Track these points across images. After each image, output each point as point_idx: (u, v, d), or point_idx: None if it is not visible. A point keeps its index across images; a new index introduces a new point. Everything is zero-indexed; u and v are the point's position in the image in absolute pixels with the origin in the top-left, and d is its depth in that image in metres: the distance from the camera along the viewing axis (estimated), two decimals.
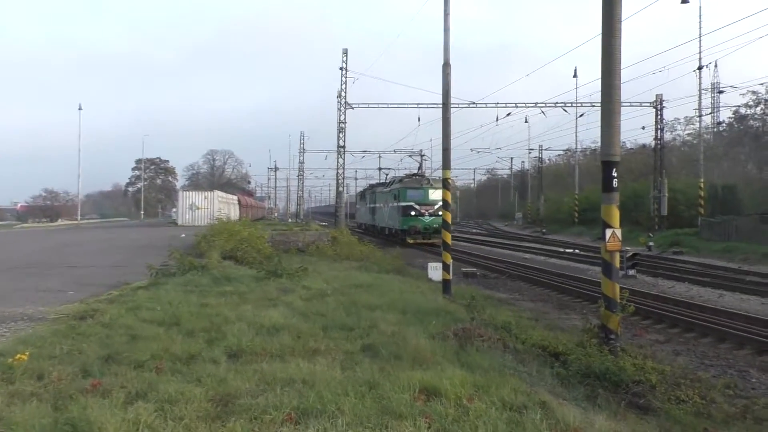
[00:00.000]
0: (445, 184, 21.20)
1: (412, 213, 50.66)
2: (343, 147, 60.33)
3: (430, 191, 51.44)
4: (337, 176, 61.43)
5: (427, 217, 50.78)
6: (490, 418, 7.32)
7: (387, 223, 57.50)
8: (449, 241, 21.12)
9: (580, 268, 33.89)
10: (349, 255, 31.68)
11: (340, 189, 61.11)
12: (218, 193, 67.30)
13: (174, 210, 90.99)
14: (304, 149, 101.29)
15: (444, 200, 21.28)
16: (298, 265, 20.96)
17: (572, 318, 19.72)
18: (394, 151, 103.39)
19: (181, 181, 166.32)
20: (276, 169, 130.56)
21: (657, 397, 10.36)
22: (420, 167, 66.30)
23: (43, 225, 78.61)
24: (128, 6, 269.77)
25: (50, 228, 65.22)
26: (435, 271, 25.19)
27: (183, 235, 34.81)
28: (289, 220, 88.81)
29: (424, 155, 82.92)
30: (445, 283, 20.51)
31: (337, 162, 60.88)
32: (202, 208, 61.77)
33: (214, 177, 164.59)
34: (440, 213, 46.68)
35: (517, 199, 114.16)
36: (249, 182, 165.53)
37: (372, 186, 73.21)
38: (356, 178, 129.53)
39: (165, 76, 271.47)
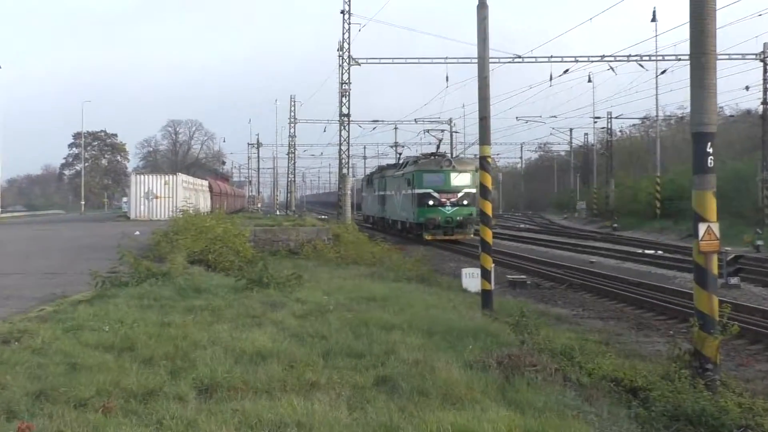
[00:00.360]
0: (483, 164, 21.04)
1: (430, 202, 52.73)
2: (347, 116, 60.18)
3: (453, 175, 53.60)
4: (339, 154, 61.28)
5: (449, 208, 52.92)
6: None
7: (399, 215, 59.07)
8: (489, 239, 21.04)
9: (665, 275, 33.84)
10: (356, 258, 31.72)
11: (344, 171, 60.29)
12: (183, 177, 66.99)
13: (125, 200, 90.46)
14: (295, 119, 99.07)
15: (482, 185, 21.22)
16: (290, 272, 21.08)
17: (654, 341, 19.69)
18: (415, 121, 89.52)
19: (134, 161, 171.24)
20: (259, 145, 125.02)
21: None
22: (439, 145, 66.92)
23: None
24: None
25: None
26: (471, 279, 25.24)
27: (137, 233, 34.73)
28: (277, 213, 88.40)
29: (454, 125, 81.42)
30: (485, 295, 20.61)
31: (340, 135, 61.01)
32: (162, 197, 60.99)
33: (177, 156, 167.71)
34: (466, 202, 53.03)
35: (579, 183, 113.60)
36: (223, 162, 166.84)
37: (381, 169, 73.39)
38: (365, 157, 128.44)
39: (110, 26, 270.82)
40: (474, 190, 52.84)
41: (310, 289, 19.17)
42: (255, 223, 40.28)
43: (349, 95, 58.73)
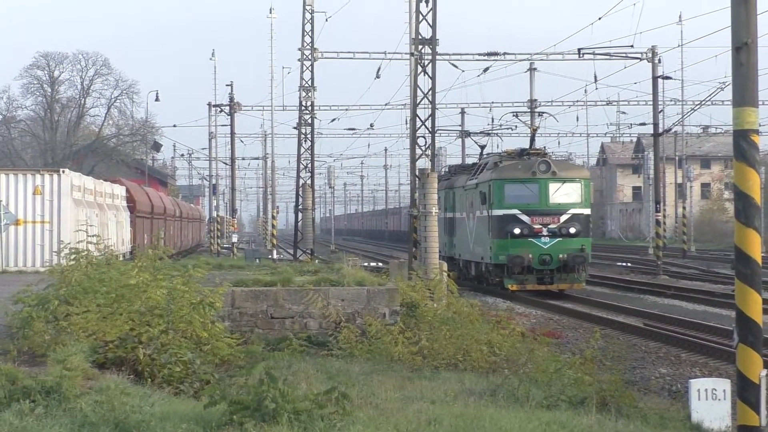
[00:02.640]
0: (741, 148, 12.78)
1: (516, 231, 39.65)
2: (429, 41, 39.66)
3: (553, 186, 40.34)
4: (413, 126, 39.37)
5: (546, 239, 39.77)
6: None
7: (469, 249, 45.26)
8: (757, 308, 12.56)
9: None
10: (455, 355, 20.50)
11: (421, 161, 39.40)
12: (74, 176, 40.62)
13: None
14: (312, 47, 57.67)
15: (740, 194, 12.89)
16: (320, 387, 14.05)
17: None
18: (578, 52, 54.27)
19: None
20: (233, 107, 70.88)
21: None
22: (533, 137, 47.95)
23: None
24: None
25: None
26: (711, 403, 16.11)
27: None
28: (274, 255, 59.17)
29: (659, 60, 54.78)
30: None
31: (413, 81, 39.51)
32: (30, 221, 38.17)
33: (57, 132, 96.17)
34: (573, 230, 39.79)
35: None
36: (155, 147, 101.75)
37: (451, 172, 55.83)
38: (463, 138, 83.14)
39: None
40: (587, 211, 41.13)
41: (367, 426, 12.20)
42: (231, 278, 25.79)
43: None
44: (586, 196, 41.32)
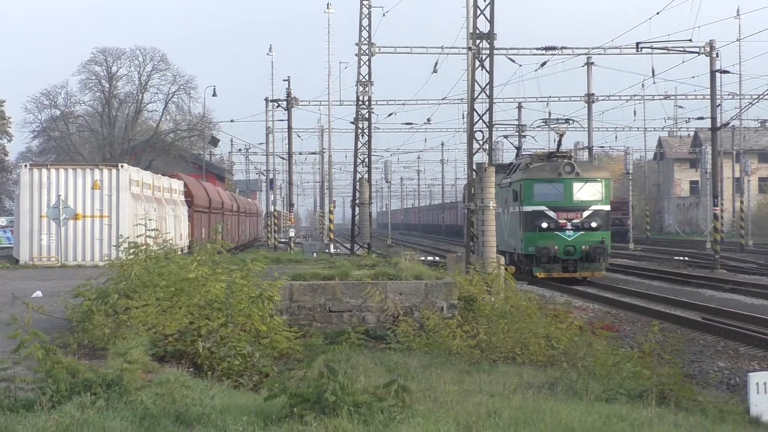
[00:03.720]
0: None
1: (544, 225, 44.03)
2: (488, 36, 39.33)
3: (576, 185, 44.43)
4: (470, 119, 38.94)
5: (570, 233, 43.83)
6: None
7: (504, 241, 47.62)
8: None
9: None
10: (513, 349, 20.36)
11: (479, 156, 39.59)
12: (133, 171, 40.57)
13: (5, 222, 62.24)
14: (369, 41, 57.92)
15: None
16: (379, 380, 14.00)
17: None
18: (637, 46, 55.93)
19: (22, 140, 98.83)
20: (290, 102, 70.21)
21: None
22: (560, 141, 51.63)
23: None
24: None
25: None
26: None
27: (38, 293, 24.14)
28: (331, 249, 57.72)
29: (716, 53, 54.94)
30: None
31: (470, 76, 38.78)
32: (89, 215, 37.70)
33: (115, 128, 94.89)
34: (595, 224, 44.03)
35: None
36: (213, 142, 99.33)
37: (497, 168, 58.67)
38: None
39: None
40: (606, 207, 45.24)
41: (427, 419, 11.87)
42: (289, 272, 25.43)
43: None
44: (606, 194, 45.21)
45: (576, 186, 44.20)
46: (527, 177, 44.68)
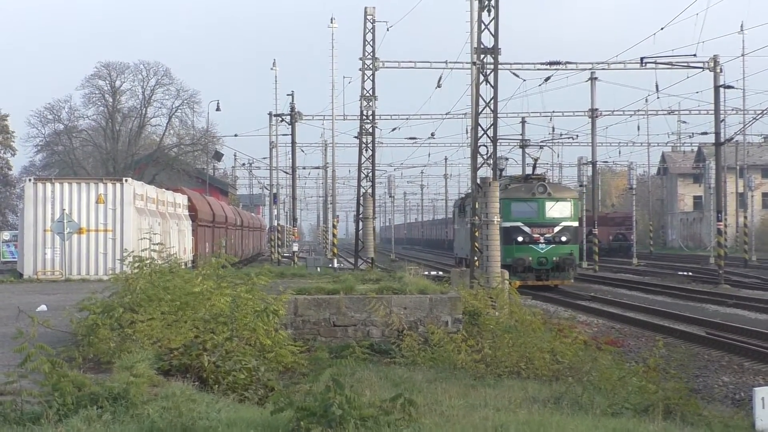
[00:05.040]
0: None
1: (519, 238, 49.00)
2: (492, 50, 39.36)
3: (549, 204, 49.82)
4: (474, 131, 38.91)
5: (542, 246, 49.07)
6: None
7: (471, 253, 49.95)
8: None
9: None
10: (518, 363, 20.33)
11: (481, 169, 39.85)
12: (137, 185, 40.46)
13: (8, 236, 60.42)
14: (373, 56, 57.85)
15: None
16: (387, 395, 13.92)
17: None
18: (641, 61, 56.41)
19: (25, 154, 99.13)
20: (294, 116, 71.60)
21: None
22: (535, 165, 59.60)
23: None
24: None
25: None
26: None
27: (42, 307, 23.68)
28: (335, 264, 57.13)
29: (720, 69, 55.32)
30: None
31: (475, 90, 38.64)
32: (93, 229, 37.68)
33: (118, 142, 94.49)
34: (564, 238, 49.43)
35: None
36: (218, 156, 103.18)
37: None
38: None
39: None
40: (575, 224, 51.47)
41: None
42: (294, 286, 25.31)
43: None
44: (575, 212, 51.41)
45: (548, 205, 49.52)
46: (505, 197, 46.80)
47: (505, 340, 21.18)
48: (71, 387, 13.04)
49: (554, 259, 48.56)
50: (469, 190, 61.71)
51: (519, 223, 48.68)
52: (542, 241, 48.98)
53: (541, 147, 72.40)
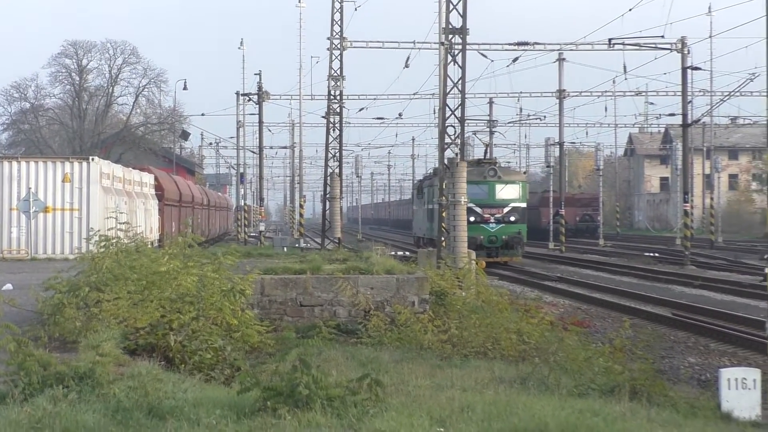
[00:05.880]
0: None
1: (471, 219, 48.92)
2: (461, 30, 39.66)
3: (498, 187, 53.07)
4: (442, 109, 39.11)
5: (493, 225, 52.28)
6: None
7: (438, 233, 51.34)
8: None
9: None
10: (485, 344, 20.18)
11: (451, 149, 40.69)
12: (104, 164, 39.93)
13: None
14: (341, 36, 57.75)
15: None
16: (353, 374, 14.09)
17: None
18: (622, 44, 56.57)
19: None
20: (262, 96, 68.80)
21: None
22: (487, 150, 64.97)
23: None
24: None
25: None
26: (742, 392, 15.64)
27: (8, 286, 23.50)
28: (301, 243, 56.70)
29: (687, 50, 55.31)
30: None
31: (443, 71, 39.10)
32: (59, 208, 37.17)
33: (84, 121, 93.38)
34: (513, 218, 53.02)
35: None
36: (184, 135, 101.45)
37: (434, 172, 63.48)
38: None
39: None
40: (523, 205, 54.40)
41: (401, 413, 11.87)
42: (260, 266, 24.72)
43: None
44: (523, 194, 54.62)
45: (498, 187, 52.82)
46: None
47: (471, 320, 21.10)
48: (37, 366, 12.79)
49: (503, 237, 52.07)
50: (423, 176, 63.97)
51: (471, 204, 48.79)
52: (492, 221, 52.18)
53: (492, 133, 77.15)
